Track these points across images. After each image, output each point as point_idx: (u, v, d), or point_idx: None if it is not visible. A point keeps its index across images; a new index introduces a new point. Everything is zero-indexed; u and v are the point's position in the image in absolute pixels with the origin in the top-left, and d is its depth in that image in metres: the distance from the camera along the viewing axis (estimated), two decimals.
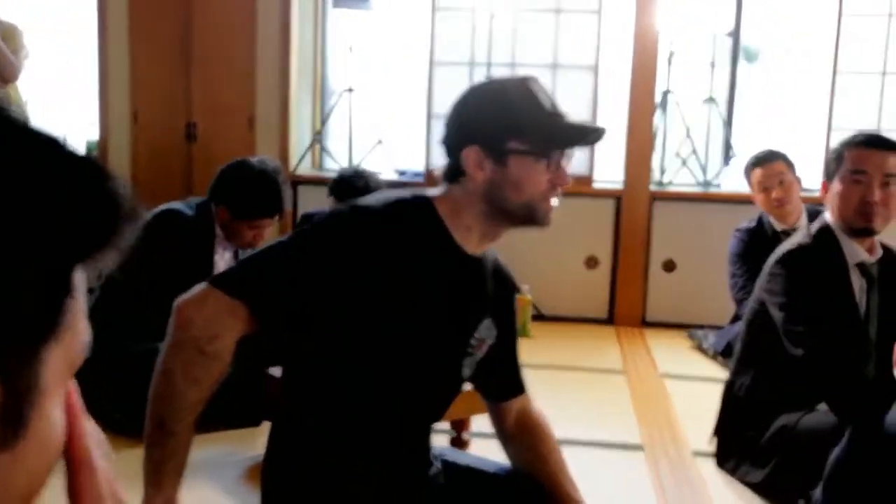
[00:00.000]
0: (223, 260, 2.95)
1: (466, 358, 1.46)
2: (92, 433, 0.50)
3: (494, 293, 1.50)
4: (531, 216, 1.39)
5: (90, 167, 0.43)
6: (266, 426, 2.72)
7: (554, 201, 1.39)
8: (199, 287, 1.32)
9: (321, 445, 1.41)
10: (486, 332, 1.48)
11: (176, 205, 2.92)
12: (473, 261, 1.43)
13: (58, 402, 0.45)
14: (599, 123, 1.46)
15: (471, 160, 1.36)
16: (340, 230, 1.35)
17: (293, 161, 4.81)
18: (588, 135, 1.42)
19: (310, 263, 1.32)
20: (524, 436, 1.60)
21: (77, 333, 0.45)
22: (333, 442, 1.40)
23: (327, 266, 1.32)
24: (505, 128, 1.36)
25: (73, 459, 0.48)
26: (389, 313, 1.34)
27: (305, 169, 4.94)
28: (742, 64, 5.00)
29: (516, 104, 1.37)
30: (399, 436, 1.46)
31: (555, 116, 1.37)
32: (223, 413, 2.53)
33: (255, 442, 2.63)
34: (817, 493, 0.93)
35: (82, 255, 0.43)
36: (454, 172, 1.40)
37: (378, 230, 1.34)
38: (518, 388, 1.62)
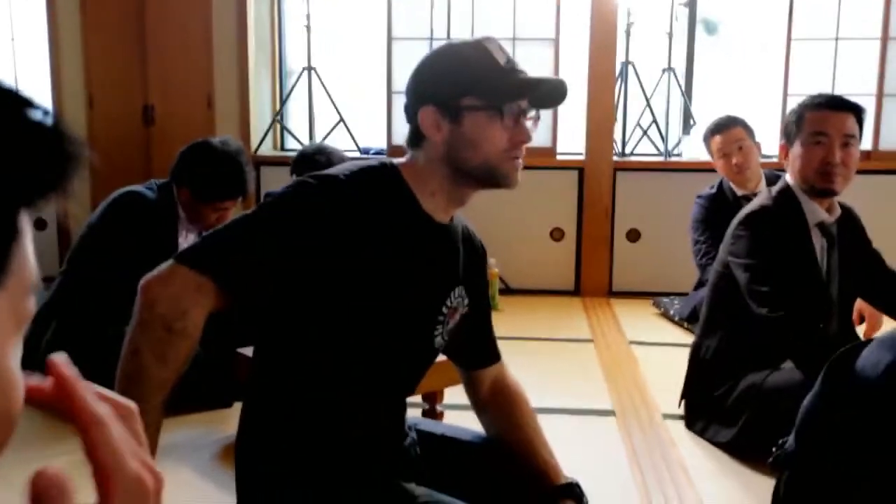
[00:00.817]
0: (187, 242, 2.91)
1: (438, 326, 1.44)
2: (98, 396, 0.48)
3: (465, 261, 1.49)
4: (492, 176, 1.36)
5: (33, 106, 0.42)
6: (238, 407, 2.71)
7: (518, 162, 1.36)
8: (165, 264, 1.29)
9: (294, 422, 1.39)
10: (457, 300, 1.47)
11: (137, 187, 2.87)
12: (442, 228, 1.42)
13: (9, 354, 0.43)
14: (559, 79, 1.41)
15: (427, 121, 1.35)
16: (307, 198, 1.32)
17: (254, 141, 4.75)
18: (541, 84, 1.38)
19: (277, 234, 1.30)
20: (499, 404, 1.59)
21: (23, 280, 0.43)
22: (306, 417, 1.39)
23: (295, 236, 1.30)
24: (458, 85, 1.34)
25: (80, 420, 0.46)
26: (359, 281, 1.32)
27: (266, 149, 4.89)
28: (702, 35, 5.03)
29: (469, 61, 1.35)
30: (373, 408, 1.45)
31: (509, 71, 1.34)
32: (194, 394, 2.54)
33: (226, 423, 2.61)
34: (790, 441, 0.94)
35: (27, 198, 0.41)
36: (415, 137, 1.39)
37: (345, 197, 1.31)
38: (492, 356, 1.61)
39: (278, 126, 5.01)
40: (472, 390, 1.63)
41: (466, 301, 1.49)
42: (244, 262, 1.29)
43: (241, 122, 4.75)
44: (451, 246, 1.45)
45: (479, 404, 1.62)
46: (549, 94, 1.39)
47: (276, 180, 4.17)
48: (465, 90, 1.33)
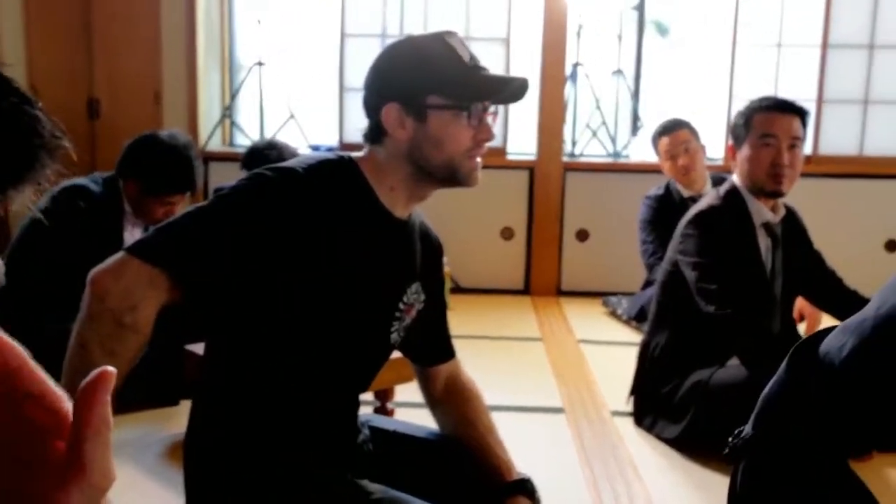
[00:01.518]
0: (133, 237, 2.85)
1: (395, 322, 1.43)
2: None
3: (422, 256, 1.48)
4: (454, 175, 1.35)
5: (8, 90, 0.40)
6: (185, 405, 2.67)
7: (479, 161, 1.36)
8: (115, 256, 1.26)
9: (246, 418, 1.37)
10: (414, 296, 1.46)
11: (81, 180, 2.80)
12: (400, 223, 1.41)
13: None
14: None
15: (391, 118, 1.33)
16: (263, 190, 1.29)
17: (203, 136, 4.68)
18: (508, 85, 1.37)
19: (233, 225, 1.27)
20: (453, 400, 1.59)
21: None
22: (259, 414, 1.37)
23: (250, 228, 1.27)
24: (424, 83, 1.32)
25: (86, 415, 0.45)
26: (315, 275, 1.30)
27: (215, 144, 4.82)
28: (653, 37, 5.12)
29: (434, 59, 1.34)
30: (328, 405, 1.43)
31: (474, 69, 1.34)
32: (140, 392, 2.49)
33: (173, 421, 2.57)
34: (747, 429, 0.96)
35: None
36: (375, 133, 1.37)
37: (302, 189, 1.29)
38: (447, 352, 1.61)
39: (227, 121, 4.94)
40: (426, 386, 1.62)
41: (423, 297, 1.49)
42: (199, 255, 1.26)
43: (190, 117, 4.67)
44: (409, 241, 1.44)
45: (434, 400, 1.61)
46: (515, 91, 1.38)
47: (225, 176, 4.12)
48: (431, 89, 1.32)
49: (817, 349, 0.86)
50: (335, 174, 1.35)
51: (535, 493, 1.49)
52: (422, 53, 1.36)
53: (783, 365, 0.90)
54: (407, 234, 1.44)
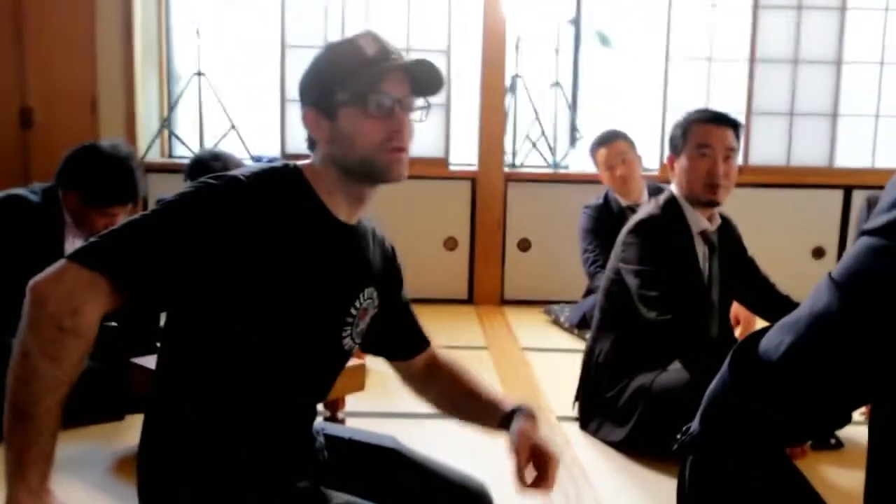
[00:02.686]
0: (73, 248, 2.79)
1: (347, 328, 1.44)
2: None
3: (375, 261, 1.49)
4: (371, 170, 1.34)
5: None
6: (130, 419, 2.62)
7: (399, 155, 1.34)
8: (55, 264, 1.24)
9: (200, 429, 1.36)
10: (367, 301, 1.47)
11: (19, 190, 2.74)
12: (348, 228, 1.42)
13: None
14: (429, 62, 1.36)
15: (310, 122, 1.36)
16: (208, 198, 1.29)
17: (141, 147, 4.60)
18: (407, 66, 1.34)
19: (175, 232, 1.26)
20: (438, 375, 1.62)
21: None
22: (213, 424, 1.36)
23: (194, 235, 1.26)
24: (329, 82, 1.33)
25: None
26: (263, 283, 1.30)
27: (154, 155, 4.75)
28: (596, 48, 5.24)
29: (339, 58, 1.35)
30: (285, 414, 1.44)
31: (376, 61, 1.32)
32: (85, 407, 2.44)
33: (120, 436, 2.53)
34: (694, 426, 1.02)
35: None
36: (309, 140, 1.40)
37: (248, 197, 1.29)
38: (423, 342, 1.64)
39: (166, 132, 4.87)
40: (407, 373, 1.64)
41: (377, 302, 1.50)
42: (141, 261, 1.25)
43: (127, 128, 4.59)
44: (359, 247, 1.45)
45: (420, 383, 1.63)
46: (422, 76, 1.36)
47: (165, 187, 4.04)
48: (335, 86, 1.33)
49: (757, 347, 0.91)
50: (279, 182, 1.35)
51: (534, 413, 1.49)
52: (329, 55, 1.38)
53: (725, 363, 0.95)
54: (357, 239, 1.44)
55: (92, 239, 1.29)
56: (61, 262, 1.24)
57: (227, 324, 1.33)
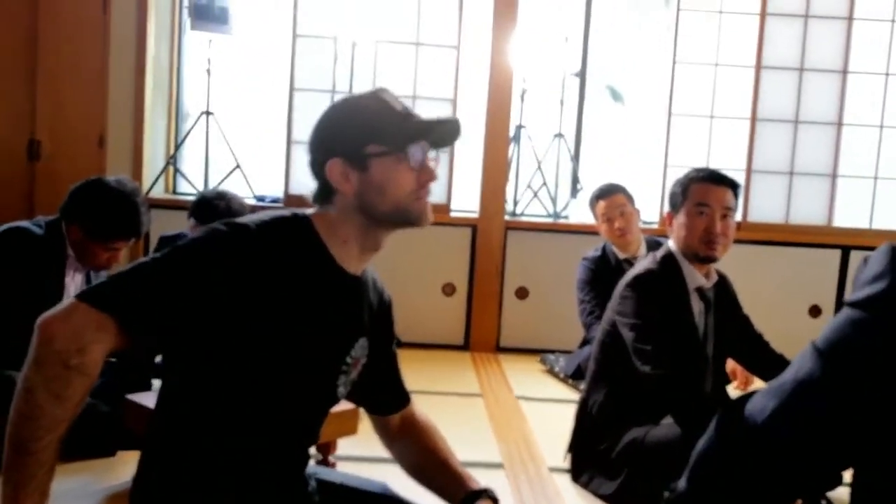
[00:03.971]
0: (74, 283, 2.82)
1: (342, 377, 1.47)
2: None
3: (371, 311, 1.52)
4: (405, 217, 1.40)
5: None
6: (121, 456, 2.62)
7: (426, 201, 1.42)
8: (64, 303, 1.28)
9: (194, 470, 1.38)
10: (360, 350, 1.50)
11: (23, 223, 2.77)
12: (353, 279, 1.45)
13: None
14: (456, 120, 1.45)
15: (335, 173, 1.39)
16: (217, 244, 1.32)
17: (146, 183, 4.65)
18: (440, 125, 1.42)
19: (185, 278, 1.30)
20: (411, 434, 1.64)
21: None
22: (207, 466, 1.37)
23: (203, 281, 1.29)
24: (361, 134, 1.39)
25: None
26: (264, 332, 1.33)
27: (158, 192, 4.79)
28: (601, 102, 5.32)
29: (369, 111, 1.41)
30: (276, 457, 1.45)
31: (406, 116, 1.41)
32: (78, 441, 2.43)
33: (111, 472, 2.52)
34: (681, 483, 1.03)
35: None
36: (325, 192, 1.43)
37: (256, 245, 1.33)
38: (403, 399, 1.67)
39: (171, 169, 4.92)
40: (383, 428, 1.67)
41: (367, 351, 1.53)
42: (149, 304, 1.28)
43: (134, 163, 4.65)
44: (360, 297, 1.48)
45: (391, 438, 1.66)
46: (448, 132, 1.44)
47: (168, 223, 4.10)
48: (369, 138, 1.38)
49: (743, 410, 0.94)
50: (288, 231, 1.39)
51: (497, 500, 1.52)
52: (357, 108, 1.43)
53: (712, 423, 0.98)
54: (359, 290, 1.48)
55: (101, 280, 1.33)
56: (71, 301, 1.27)
57: (225, 369, 1.35)
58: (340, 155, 1.39)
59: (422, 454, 1.63)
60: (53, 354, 1.22)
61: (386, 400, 1.65)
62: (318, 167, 1.42)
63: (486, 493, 1.51)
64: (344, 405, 1.63)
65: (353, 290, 1.46)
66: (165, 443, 1.41)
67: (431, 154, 1.43)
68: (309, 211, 1.45)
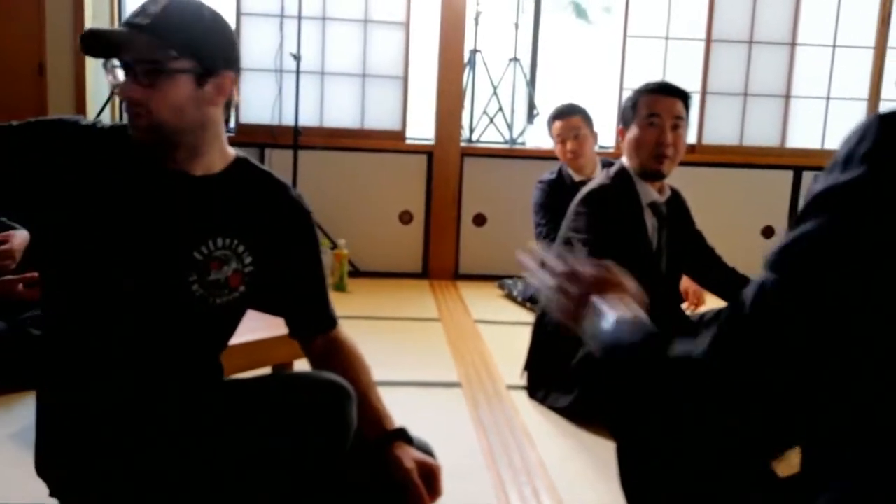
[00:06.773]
0: None
1: (192, 274, 1.41)
2: None
3: (239, 214, 1.46)
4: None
5: None
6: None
7: (132, 115, 1.36)
8: None
9: (76, 362, 1.41)
10: (221, 251, 1.44)
11: None
12: (194, 179, 1.42)
13: None
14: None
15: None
16: (57, 123, 1.38)
17: (91, 113, 4.51)
18: (96, 39, 1.34)
19: (13, 144, 1.34)
20: (332, 361, 1.57)
21: None
22: (86, 359, 1.40)
23: (29, 149, 1.34)
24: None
25: None
26: (83, 218, 1.36)
27: (105, 121, 4.64)
28: (557, 24, 5.23)
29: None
30: (163, 367, 1.43)
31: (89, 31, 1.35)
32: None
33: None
34: (693, 350, 1.03)
35: None
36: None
37: (88, 137, 1.38)
38: (325, 323, 1.61)
39: (118, 99, 4.77)
40: (306, 352, 1.62)
41: (249, 259, 1.47)
42: None
43: (77, 93, 4.49)
44: (207, 197, 1.44)
45: (312, 363, 1.61)
46: (104, 46, 1.36)
47: None
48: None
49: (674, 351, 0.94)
50: (127, 133, 1.39)
51: (412, 441, 1.48)
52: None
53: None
54: (205, 189, 1.43)
55: None
56: None
57: (55, 254, 1.40)
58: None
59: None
60: None
61: (305, 321, 1.60)
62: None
63: (401, 434, 1.47)
64: None
65: (193, 189, 1.42)
66: (48, 330, 1.46)
67: (116, 63, 1.37)
68: None
